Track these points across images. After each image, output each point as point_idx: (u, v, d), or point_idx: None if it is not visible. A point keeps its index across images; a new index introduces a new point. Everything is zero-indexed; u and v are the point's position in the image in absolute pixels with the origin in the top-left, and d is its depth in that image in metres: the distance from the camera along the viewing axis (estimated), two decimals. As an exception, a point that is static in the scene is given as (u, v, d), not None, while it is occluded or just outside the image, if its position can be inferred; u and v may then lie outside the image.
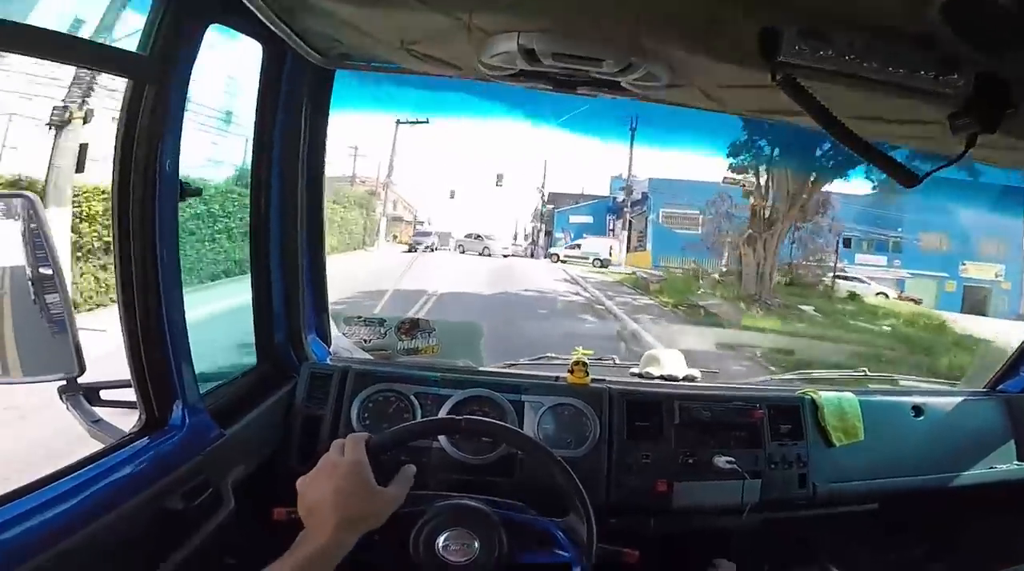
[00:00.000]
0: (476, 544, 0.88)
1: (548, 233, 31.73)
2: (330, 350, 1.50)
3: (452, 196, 35.16)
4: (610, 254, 25.15)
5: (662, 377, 1.61)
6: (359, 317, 1.52)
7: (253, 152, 1.29)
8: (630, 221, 24.26)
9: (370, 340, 1.52)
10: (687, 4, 0.75)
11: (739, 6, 0.74)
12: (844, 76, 0.82)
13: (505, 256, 27.75)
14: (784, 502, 1.45)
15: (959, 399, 1.72)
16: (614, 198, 28.46)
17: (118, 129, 0.88)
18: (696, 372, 1.65)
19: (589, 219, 30.41)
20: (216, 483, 0.96)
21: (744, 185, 14.43)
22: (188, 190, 0.96)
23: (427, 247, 22.80)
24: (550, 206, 32.34)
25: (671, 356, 1.67)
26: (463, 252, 25.18)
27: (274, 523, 0.90)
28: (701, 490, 1.39)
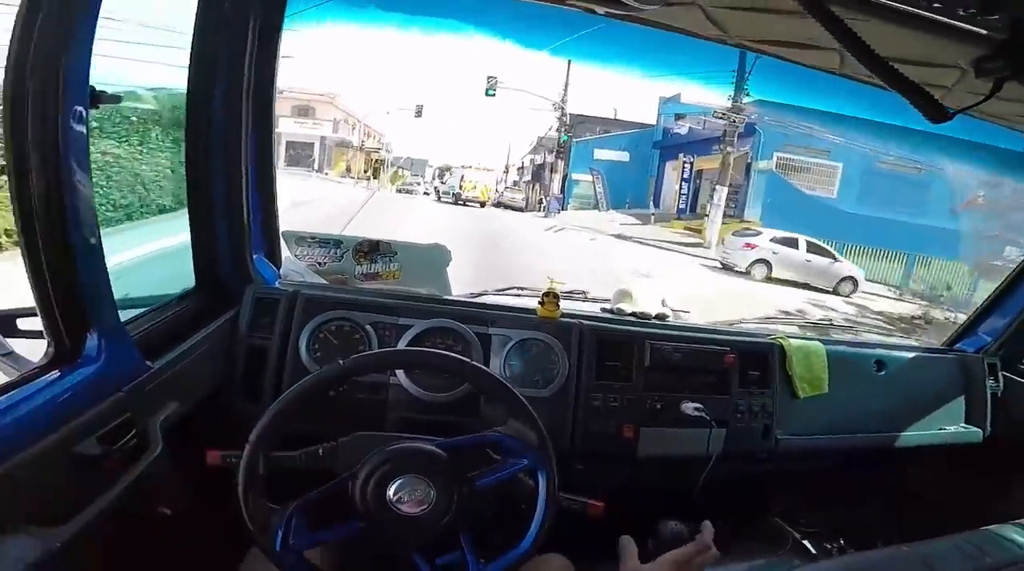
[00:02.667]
0: (431, 489, 0.81)
1: (561, 174, 20.76)
2: (280, 273, 1.38)
3: (419, 114, 22.07)
4: (461, 186, 20.95)
5: (634, 314, 1.55)
6: (313, 237, 1.38)
7: (190, 61, 1.13)
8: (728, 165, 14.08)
9: (325, 263, 1.39)
10: None
11: None
12: (878, 8, 0.74)
13: (463, 202, 20.71)
14: (747, 454, 1.44)
15: (919, 355, 1.74)
16: (666, 129, 19.62)
17: (13, 30, 0.71)
18: (668, 311, 1.60)
19: (624, 156, 21.05)
20: (142, 423, 0.87)
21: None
22: (102, 97, 0.81)
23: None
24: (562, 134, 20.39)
25: (644, 292, 1.60)
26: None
27: (208, 469, 0.82)
28: (667, 437, 1.36)
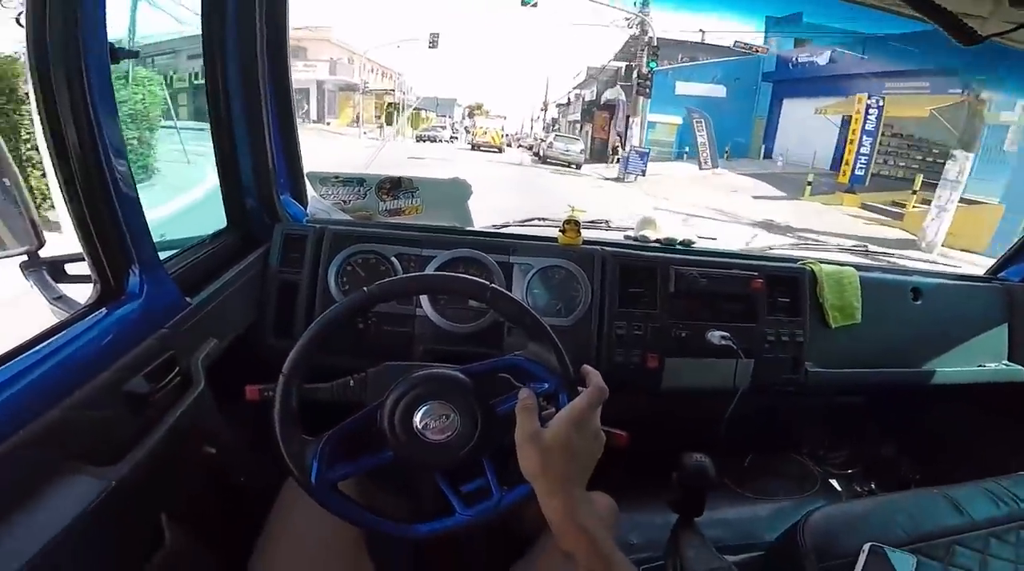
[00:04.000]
0: (454, 415, 0.81)
1: (642, 117, 14.54)
2: (307, 211, 1.41)
3: (434, 43, 17.07)
4: (472, 133, 17.80)
5: (658, 241, 1.54)
6: (336, 176, 1.41)
7: (202, 10, 1.13)
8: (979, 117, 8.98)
9: (350, 201, 1.42)
10: None
11: None
12: None
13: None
14: (775, 387, 1.42)
15: (959, 283, 1.66)
16: (784, 59, 14.55)
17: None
18: (694, 237, 1.57)
19: (719, 91, 15.72)
20: (185, 361, 0.92)
21: None
22: (122, 52, 0.84)
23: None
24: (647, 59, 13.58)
25: (668, 218, 1.58)
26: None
27: (247, 404, 0.84)
28: (693, 368, 1.37)
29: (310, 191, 1.44)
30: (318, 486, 0.80)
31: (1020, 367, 1.58)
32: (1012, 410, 1.65)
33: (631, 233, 1.56)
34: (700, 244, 1.56)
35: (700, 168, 14.00)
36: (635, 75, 14.12)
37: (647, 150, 13.62)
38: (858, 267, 1.53)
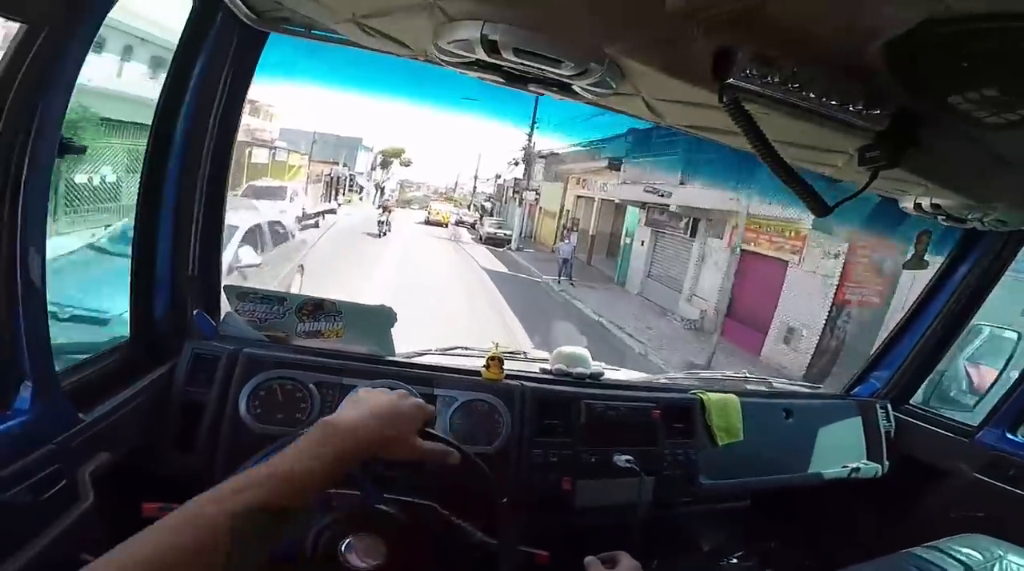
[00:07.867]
0: (383, 549, 0.84)
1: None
2: (218, 328, 1.35)
3: None
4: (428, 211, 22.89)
5: (572, 375, 1.64)
6: (255, 292, 1.36)
7: (158, 105, 1.14)
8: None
9: (266, 319, 1.37)
10: (656, 18, 0.71)
11: (701, 26, 0.72)
12: (782, 103, 0.83)
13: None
14: (673, 498, 1.55)
15: (821, 402, 1.97)
16: None
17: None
18: (602, 367, 1.70)
19: None
20: (71, 474, 0.84)
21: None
22: (70, 146, 0.83)
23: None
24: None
25: (579, 353, 1.70)
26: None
27: (144, 520, 0.78)
28: (602, 488, 1.44)
29: (225, 305, 1.37)
30: None
31: (876, 464, 1.90)
32: (874, 499, 1.95)
33: (547, 364, 1.66)
34: (608, 375, 1.68)
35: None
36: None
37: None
38: (739, 393, 1.74)
